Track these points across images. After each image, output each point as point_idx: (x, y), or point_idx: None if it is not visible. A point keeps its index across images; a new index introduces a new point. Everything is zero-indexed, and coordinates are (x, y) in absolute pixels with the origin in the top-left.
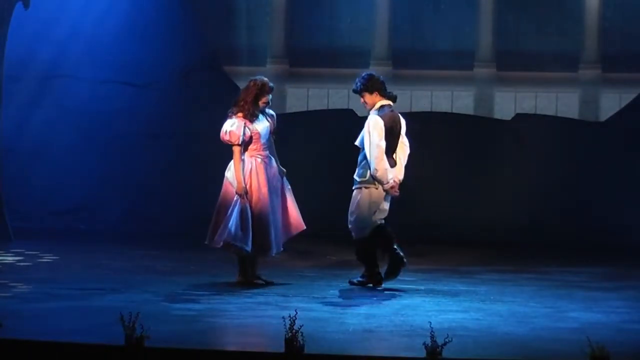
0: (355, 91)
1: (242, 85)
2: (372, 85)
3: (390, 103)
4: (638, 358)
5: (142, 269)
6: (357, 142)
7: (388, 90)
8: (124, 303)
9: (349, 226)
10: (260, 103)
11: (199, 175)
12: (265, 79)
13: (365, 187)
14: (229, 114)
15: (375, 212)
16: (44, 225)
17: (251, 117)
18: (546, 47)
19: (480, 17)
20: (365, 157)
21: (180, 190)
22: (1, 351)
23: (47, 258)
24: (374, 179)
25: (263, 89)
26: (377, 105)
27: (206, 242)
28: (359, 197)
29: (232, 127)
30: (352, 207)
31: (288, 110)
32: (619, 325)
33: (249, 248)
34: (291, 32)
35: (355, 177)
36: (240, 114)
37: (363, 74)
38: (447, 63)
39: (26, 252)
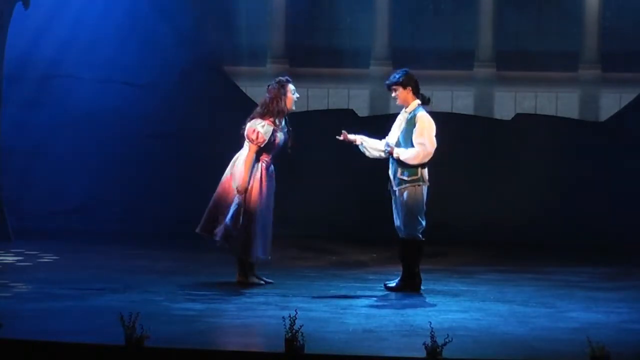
0: (390, 84)
1: (242, 85)
2: (408, 81)
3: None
4: (638, 358)
5: (142, 269)
6: (393, 142)
7: (420, 92)
8: (124, 303)
9: (398, 225)
10: (288, 105)
11: (199, 175)
12: (284, 78)
13: (418, 185)
14: (260, 115)
15: (425, 211)
16: (44, 225)
17: (279, 121)
18: (546, 47)
19: (480, 17)
20: None
21: (180, 190)
22: (1, 351)
23: (47, 258)
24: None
25: (283, 89)
26: (414, 103)
27: (197, 230)
28: (411, 195)
29: (263, 129)
30: (404, 206)
31: None
32: (619, 325)
33: (237, 249)
34: (291, 32)
35: (402, 177)
36: (271, 119)
37: (398, 70)
38: (447, 63)
39: (26, 252)
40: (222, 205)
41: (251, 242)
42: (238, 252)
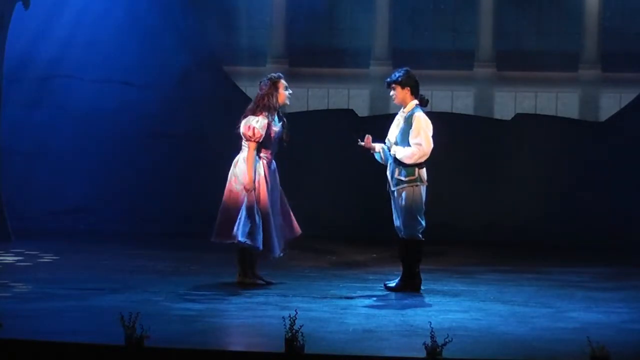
0: (389, 82)
1: (242, 85)
2: (407, 81)
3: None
4: (638, 358)
5: (142, 269)
6: (393, 140)
7: (420, 93)
8: (124, 303)
9: (397, 226)
10: (280, 101)
11: (199, 175)
12: (276, 74)
13: (416, 186)
14: (252, 111)
15: (425, 211)
16: (44, 225)
17: (272, 117)
18: (546, 47)
19: (480, 17)
20: None
21: (180, 190)
22: (1, 351)
23: (47, 258)
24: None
25: (275, 86)
26: (412, 103)
27: (213, 239)
28: (410, 196)
29: (257, 124)
30: (403, 206)
31: (288, 110)
32: (619, 325)
33: (260, 245)
34: (291, 32)
35: (400, 177)
36: (264, 113)
37: (399, 69)
38: (447, 63)
39: (26, 252)
40: (232, 208)
41: (270, 239)
42: (259, 249)
